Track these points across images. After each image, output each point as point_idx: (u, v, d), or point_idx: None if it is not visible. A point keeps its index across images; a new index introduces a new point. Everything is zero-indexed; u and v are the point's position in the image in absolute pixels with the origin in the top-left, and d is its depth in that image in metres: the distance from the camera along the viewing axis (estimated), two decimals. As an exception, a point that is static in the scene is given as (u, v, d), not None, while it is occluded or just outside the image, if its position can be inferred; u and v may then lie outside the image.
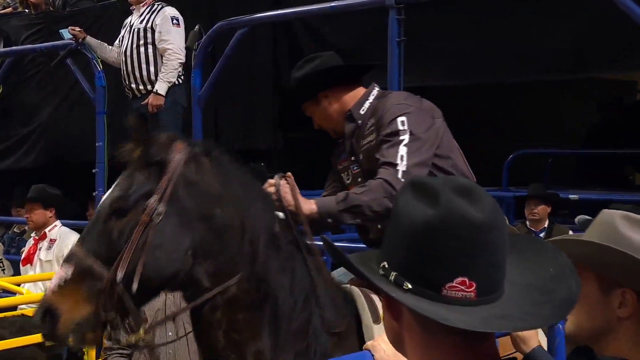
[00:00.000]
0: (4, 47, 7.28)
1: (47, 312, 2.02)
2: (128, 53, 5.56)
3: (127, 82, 5.58)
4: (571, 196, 5.79)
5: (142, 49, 5.51)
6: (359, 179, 2.56)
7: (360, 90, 2.62)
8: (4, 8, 8.08)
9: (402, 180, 2.27)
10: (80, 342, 2.06)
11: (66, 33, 5.75)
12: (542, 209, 5.63)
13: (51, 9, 7.41)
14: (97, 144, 5.53)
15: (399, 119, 2.40)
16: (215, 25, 5.06)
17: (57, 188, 5.22)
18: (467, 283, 1.01)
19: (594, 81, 7.04)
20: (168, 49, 5.42)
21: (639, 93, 9.09)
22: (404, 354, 1.10)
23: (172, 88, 5.42)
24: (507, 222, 1.19)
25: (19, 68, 7.15)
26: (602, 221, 1.43)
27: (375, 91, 2.61)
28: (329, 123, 2.64)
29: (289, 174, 2.36)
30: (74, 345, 2.09)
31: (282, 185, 2.30)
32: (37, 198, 4.96)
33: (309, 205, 2.30)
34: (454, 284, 1.01)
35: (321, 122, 2.65)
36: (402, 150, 2.34)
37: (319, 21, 6.00)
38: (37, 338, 3.79)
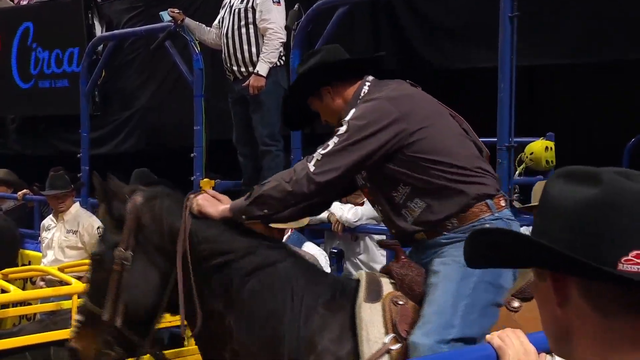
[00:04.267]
0: (106, 31, 7.40)
1: (72, 353, 2.50)
2: (229, 34, 5.42)
3: (228, 65, 5.46)
4: None
5: (243, 30, 5.37)
6: (362, 183, 2.57)
7: (352, 91, 2.57)
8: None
9: (311, 166, 2.32)
10: None
11: (165, 15, 5.72)
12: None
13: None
14: (195, 128, 5.49)
15: (351, 112, 2.40)
16: (315, 4, 4.90)
17: (154, 173, 5.21)
18: None
19: None
20: (269, 28, 5.24)
21: None
22: (570, 347, 1.04)
23: (273, 69, 5.24)
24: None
25: (119, 52, 7.24)
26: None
27: (365, 88, 2.54)
28: (333, 118, 2.61)
29: (205, 188, 2.66)
30: None
31: (194, 203, 2.45)
32: (139, 182, 4.95)
33: (223, 212, 2.43)
34: (630, 258, 0.97)
35: (326, 117, 2.66)
36: (332, 141, 2.35)
37: (422, -1, 5.72)
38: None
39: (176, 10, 5.67)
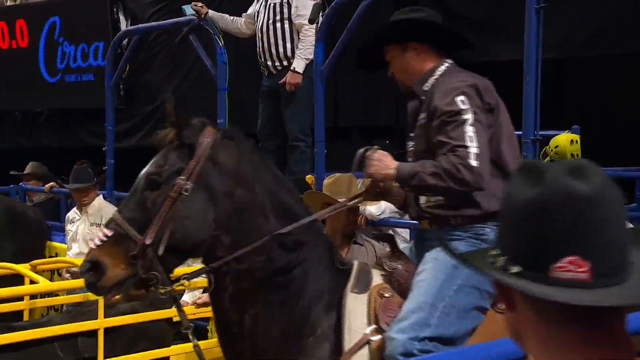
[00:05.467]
0: (131, 25, 7.45)
1: (93, 266, 2.33)
2: (264, 29, 5.41)
3: (263, 59, 5.45)
4: None
5: (278, 25, 5.36)
6: (410, 159, 2.53)
7: (435, 62, 2.56)
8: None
9: (473, 162, 2.26)
10: (126, 297, 2.39)
11: (188, 9, 5.74)
12: None
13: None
14: (218, 121, 5.51)
15: (458, 98, 2.35)
16: (339, -3, 4.87)
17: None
18: (578, 263, 0.93)
19: None
20: (304, 24, 5.21)
21: None
22: (526, 349, 1.02)
23: (308, 65, 5.22)
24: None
25: (144, 46, 7.28)
26: None
27: (444, 67, 2.55)
28: (404, 75, 2.61)
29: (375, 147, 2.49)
30: (120, 299, 2.44)
31: (369, 155, 2.44)
32: None
33: (387, 171, 2.40)
34: (562, 264, 0.94)
35: (396, 71, 2.62)
36: (469, 130, 2.30)
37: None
38: (167, 313, 3.92)
39: (199, 4, 5.69)
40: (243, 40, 5.81)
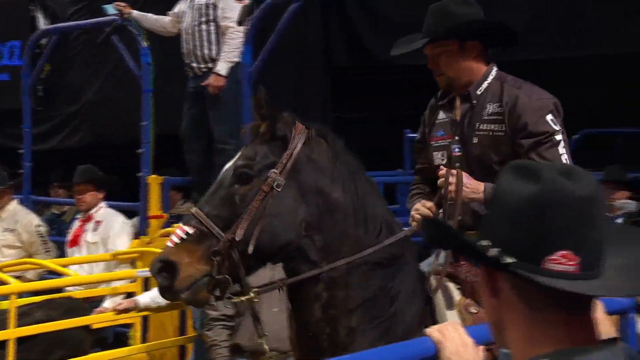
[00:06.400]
0: (50, 24, 7.20)
1: (166, 266, 2.13)
2: (189, 31, 5.32)
3: (188, 61, 5.36)
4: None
5: (203, 27, 5.28)
6: (457, 164, 2.44)
7: (487, 65, 2.49)
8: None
9: None
10: (193, 300, 2.19)
11: (110, 9, 5.58)
12: (621, 195, 5.13)
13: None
14: (142, 123, 5.38)
15: (548, 117, 2.35)
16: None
17: (101, 169, 5.10)
18: (570, 257, 1.01)
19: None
20: (230, 26, 5.14)
21: None
22: (503, 335, 1.10)
23: (233, 67, 5.15)
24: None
25: (64, 46, 7.05)
26: None
27: (494, 71, 2.48)
28: (456, 74, 2.45)
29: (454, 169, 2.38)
30: (186, 302, 2.25)
31: (450, 176, 2.33)
32: (90, 179, 4.85)
33: (475, 195, 2.33)
34: (555, 257, 1.01)
35: (444, 66, 2.46)
36: (563, 151, 2.32)
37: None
38: (84, 320, 3.78)
39: (122, 4, 5.54)
40: (169, 40, 5.70)
